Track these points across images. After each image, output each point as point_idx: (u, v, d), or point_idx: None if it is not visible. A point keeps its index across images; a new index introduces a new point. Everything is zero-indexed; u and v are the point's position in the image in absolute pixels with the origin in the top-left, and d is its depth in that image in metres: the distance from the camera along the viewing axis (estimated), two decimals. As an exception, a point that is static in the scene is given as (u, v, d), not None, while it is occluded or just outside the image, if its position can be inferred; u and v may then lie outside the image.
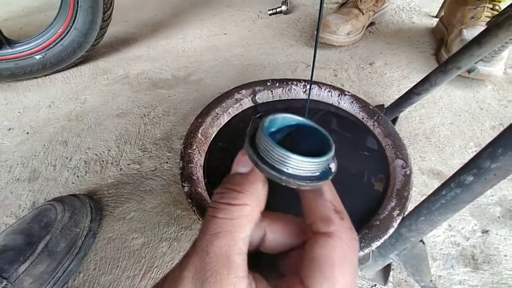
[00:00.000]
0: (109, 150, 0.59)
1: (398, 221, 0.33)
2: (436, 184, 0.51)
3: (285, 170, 0.13)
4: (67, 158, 0.59)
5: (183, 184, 0.37)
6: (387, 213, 0.34)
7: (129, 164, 0.57)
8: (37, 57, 0.76)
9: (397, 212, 0.34)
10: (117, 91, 0.75)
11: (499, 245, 0.43)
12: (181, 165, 0.39)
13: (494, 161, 0.23)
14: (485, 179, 0.25)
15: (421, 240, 0.33)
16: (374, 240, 0.31)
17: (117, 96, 0.74)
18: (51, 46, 0.75)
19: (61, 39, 0.75)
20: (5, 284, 0.33)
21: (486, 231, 0.44)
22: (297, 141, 0.15)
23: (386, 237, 0.32)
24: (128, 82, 0.78)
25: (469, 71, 0.64)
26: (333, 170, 0.15)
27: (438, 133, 0.61)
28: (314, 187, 0.13)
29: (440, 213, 0.29)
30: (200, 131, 0.45)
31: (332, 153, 0.14)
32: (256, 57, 0.86)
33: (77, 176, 0.55)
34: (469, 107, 0.66)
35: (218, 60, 0.86)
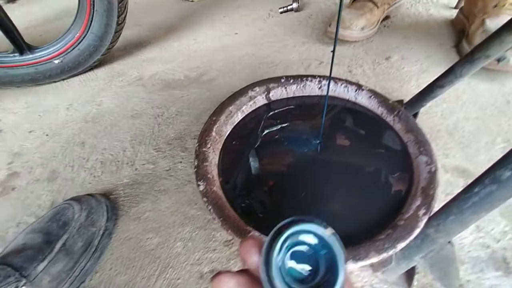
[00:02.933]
0: (124, 151, 0.60)
1: (424, 221, 0.31)
2: (461, 183, 0.48)
3: None
4: (84, 158, 0.60)
5: (198, 183, 0.37)
6: (412, 212, 0.32)
7: (143, 164, 0.57)
8: (56, 61, 0.79)
9: (423, 211, 0.32)
10: (132, 92, 0.76)
11: (535, 247, 0.39)
12: (196, 163, 0.39)
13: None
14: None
15: (449, 241, 0.31)
16: (399, 241, 0.30)
17: (131, 97, 0.75)
18: (69, 50, 0.78)
19: (78, 43, 0.78)
20: (25, 282, 0.33)
21: (520, 233, 0.41)
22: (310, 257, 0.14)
23: (411, 237, 0.30)
24: (142, 84, 0.79)
25: (498, 60, 0.60)
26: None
27: (462, 128, 0.58)
28: None
29: (473, 212, 0.27)
30: (214, 129, 0.44)
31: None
32: (268, 55, 0.85)
33: (94, 176, 0.56)
34: (495, 100, 0.62)
35: (230, 60, 0.86)
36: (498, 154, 0.51)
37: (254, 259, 0.14)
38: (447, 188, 0.48)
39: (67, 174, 0.57)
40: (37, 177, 0.57)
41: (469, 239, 0.41)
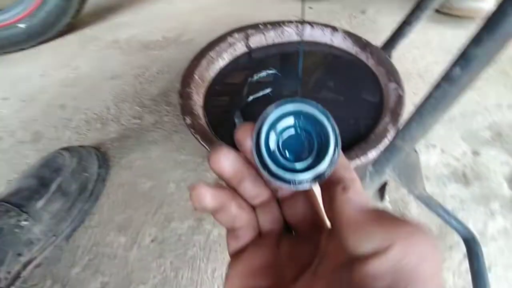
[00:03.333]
0: (108, 109, 0.60)
1: (392, 133, 0.35)
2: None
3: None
4: (67, 119, 0.59)
5: (185, 117, 0.38)
6: (381, 127, 0.36)
7: (129, 119, 0.57)
8: (21, 25, 0.74)
9: (390, 125, 0.36)
10: (108, 56, 0.74)
11: (489, 163, 0.45)
12: (181, 101, 0.40)
13: (479, 46, 0.25)
14: (471, 67, 0.26)
15: (414, 150, 0.35)
16: (370, 149, 0.33)
17: (108, 60, 0.73)
18: (34, 13, 0.73)
19: (43, 4, 0.73)
20: (26, 217, 0.35)
21: (477, 153, 0.47)
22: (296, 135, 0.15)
23: (380, 146, 0.34)
24: (118, 47, 0.77)
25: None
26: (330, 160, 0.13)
27: (432, 71, 0.62)
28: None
29: (431, 115, 0.31)
30: (196, 72, 0.45)
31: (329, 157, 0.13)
32: (246, 14, 0.84)
33: (79, 134, 0.56)
34: (460, 44, 0.67)
35: (208, 20, 0.84)
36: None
37: (250, 144, 0.14)
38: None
39: (51, 134, 0.56)
40: (21, 139, 0.56)
41: (434, 160, 0.46)
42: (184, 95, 0.41)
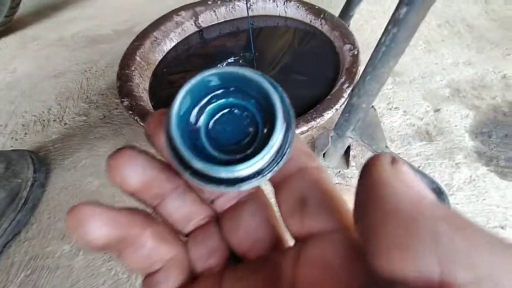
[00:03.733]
0: (49, 109, 0.54)
1: (348, 91, 0.33)
2: (390, 80, 0.52)
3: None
4: (1, 125, 0.52)
5: (122, 99, 0.34)
6: (337, 88, 0.33)
7: (74, 117, 0.52)
8: None
9: (346, 85, 0.33)
10: (51, 54, 0.68)
11: (450, 118, 0.44)
12: (118, 84, 0.36)
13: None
14: (417, 3, 0.24)
15: (372, 107, 0.33)
16: (326, 110, 0.31)
17: (51, 58, 0.66)
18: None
19: (-31, 2, 0.65)
20: None
21: (438, 110, 0.46)
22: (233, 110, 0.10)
23: (337, 106, 0.31)
24: (63, 44, 0.70)
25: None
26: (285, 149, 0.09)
27: (390, 39, 0.61)
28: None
29: (383, 64, 0.28)
30: (138, 54, 0.41)
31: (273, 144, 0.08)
32: (201, 0, 0.80)
33: (16, 139, 0.49)
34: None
35: (163, 9, 0.79)
36: (420, 53, 0.55)
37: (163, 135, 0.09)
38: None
39: (-17, 143, 0.49)
40: None
41: (398, 122, 0.45)
42: (123, 77, 0.37)
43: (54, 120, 0.51)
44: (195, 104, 0.09)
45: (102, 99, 0.54)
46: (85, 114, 0.52)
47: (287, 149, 0.09)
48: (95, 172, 0.43)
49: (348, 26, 0.57)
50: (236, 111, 0.10)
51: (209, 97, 0.09)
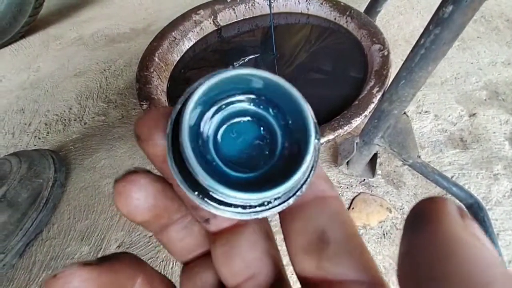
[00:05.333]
0: (70, 109, 0.54)
1: (378, 97, 0.30)
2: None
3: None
4: (25, 124, 0.54)
5: (141, 103, 0.33)
6: (366, 92, 0.31)
7: (93, 117, 0.52)
8: (-27, 29, 0.68)
9: (376, 89, 0.31)
10: (72, 53, 0.69)
11: (487, 124, 0.41)
12: (137, 86, 0.35)
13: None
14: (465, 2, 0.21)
15: (405, 113, 0.31)
16: (354, 117, 0.29)
17: (72, 57, 0.67)
18: (-14, 13, 0.67)
19: (-5, 3, 0.67)
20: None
21: (474, 114, 0.42)
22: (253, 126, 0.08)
23: (365, 113, 0.29)
24: (83, 43, 0.71)
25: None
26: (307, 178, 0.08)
27: (419, 35, 0.57)
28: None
29: (421, 68, 0.26)
30: (156, 55, 0.40)
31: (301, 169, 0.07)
32: (219, -3, 0.79)
33: (39, 138, 0.50)
34: (448, 7, 0.62)
35: (180, 7, 0.78)
36: (453, 52, 0.51)
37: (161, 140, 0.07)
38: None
39: (8, 142, 0.51)
40: (-27, 150, 0.51)
41: (428, 127, 0.42)
42: (142, 79, 0.36)
43: (75, 120, 0.52)
44: (209, 107, 0.08)
45: (121, 98, 0.54)
46: (104, 114, 0.52)
47: (312, 171, 0.08)
48: (114, 174, 0.43)
49: (374, 22, 0.54)
50: (250, 120, 0.08)
51: (227, 101, 0.08)
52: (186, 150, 0.07)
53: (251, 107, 0.08)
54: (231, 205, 0.07)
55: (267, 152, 0.08)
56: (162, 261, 0.34)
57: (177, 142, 0.07)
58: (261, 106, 0.08)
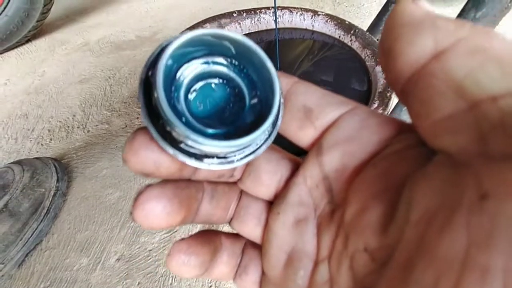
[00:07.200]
0: (74, 116, 0.55)
1: (382, 119, 0.30)
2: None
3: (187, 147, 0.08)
4: (29, 129, 0.54)
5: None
6: (369, 114, 0.31)
7: (97, 125, 0.52)
8: (-19, 32, 0.69)
9: (380, 111, 0.31)
10: (78, 59, 0.69)
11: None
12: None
13: None
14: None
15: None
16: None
17: (78, 63, 0.68)
18: (-6, 17, 0.68)
19: (4, 8, 0.68)
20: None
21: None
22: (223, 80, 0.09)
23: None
24: (89, 49, 0.72)
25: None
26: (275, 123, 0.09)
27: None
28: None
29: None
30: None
31: (272, 115, 0.08)
32: (225, 8, 0.80)
33: (41, 145, 0.50)
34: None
35: (185, 16, 0.80)
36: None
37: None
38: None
39: (10, 147, 0.51)
40: (-25, 154, 0.51)
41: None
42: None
43: (78, 127, 0.52)
44: (180, 65, 0.08)
45: (124, 107, 0.55)
46: (108, 122, 0.52)
47: (278, 121, 0.09)
48: (115, 184, 0.43)
49: (378, 40, 0.54)
50: (220, 79, 0.09)
51: (200, 60, 0.08)
52: (160, 96, 0.07)
53: (222, 67, 0.09)
54: (204, 157, 0.08)
55: (236, 110, 0.09)
56: (161, 276, 0.34)
57: (150, 99, 0.07)
58: (232, 66, 0.09)
